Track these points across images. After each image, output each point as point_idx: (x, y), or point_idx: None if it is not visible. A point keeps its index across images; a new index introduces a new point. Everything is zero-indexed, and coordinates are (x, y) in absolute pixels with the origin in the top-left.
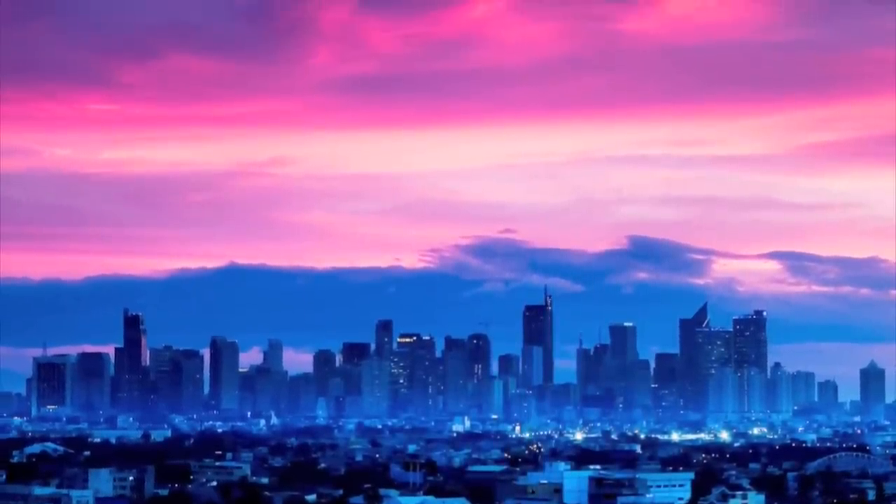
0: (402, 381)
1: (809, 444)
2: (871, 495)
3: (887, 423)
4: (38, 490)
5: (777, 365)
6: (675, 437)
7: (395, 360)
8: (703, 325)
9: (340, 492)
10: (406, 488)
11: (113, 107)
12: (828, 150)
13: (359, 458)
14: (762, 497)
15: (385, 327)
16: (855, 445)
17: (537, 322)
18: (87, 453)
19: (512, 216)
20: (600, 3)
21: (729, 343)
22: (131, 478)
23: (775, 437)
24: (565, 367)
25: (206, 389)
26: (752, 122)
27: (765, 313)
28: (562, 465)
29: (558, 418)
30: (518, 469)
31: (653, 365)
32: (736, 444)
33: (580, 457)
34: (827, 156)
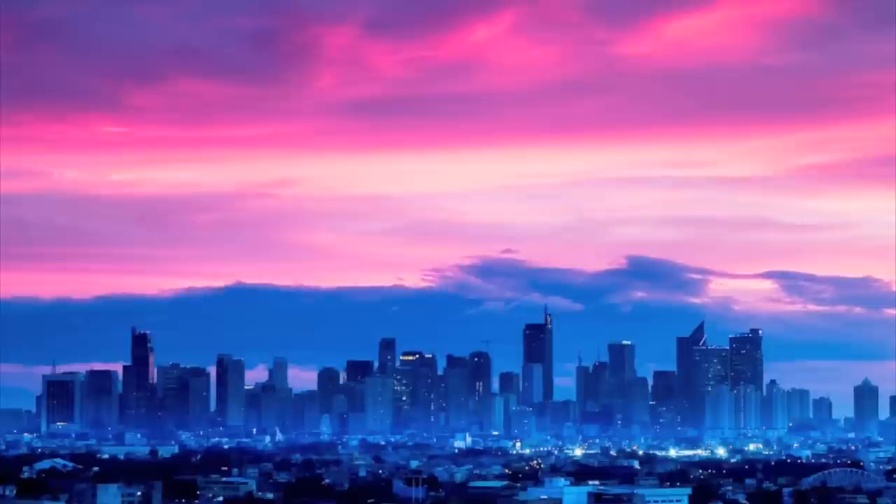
0: (404, 398)
1: (804, 460)
2: None
3: (881, 439)
4: None
5: (773, 382)
6: (673, 452)
7: (398, 377)
8: (700, 343)
9: None
10: (409, 503)
11: (121, 129)
12: (823, 171)
13: (362, 473)
14: None
15: (388, 345)
16: (849, 461)
17: (537, 340)
18: (95, 469)
19: (512, 236)
20: (600, 28)
21: (725, 361)
22: (139, 493)
23: (771, 453)
24: (565, 384)
25: (213, 406)
26: (749, 144)
27: (760, 332)
28: (561, 481)
29: (558, 435)
30: (518, 485)
31: (651, 382)
32: (732, 460)
33: (579, 472)
34: (822, 177)
